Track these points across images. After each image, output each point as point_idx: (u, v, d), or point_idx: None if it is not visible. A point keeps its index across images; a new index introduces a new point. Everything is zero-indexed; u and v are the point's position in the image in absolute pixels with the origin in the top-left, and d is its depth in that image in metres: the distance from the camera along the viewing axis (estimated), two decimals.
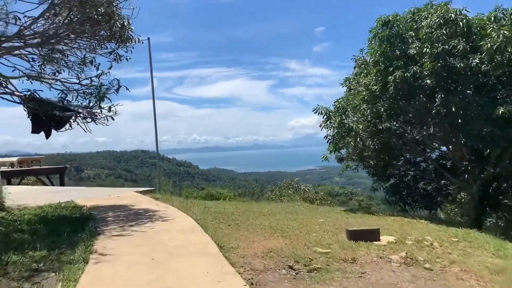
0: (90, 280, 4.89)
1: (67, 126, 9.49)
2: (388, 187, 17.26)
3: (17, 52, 9.06)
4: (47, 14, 8.93)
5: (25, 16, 8.36)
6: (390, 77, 11.99)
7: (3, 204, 10.15)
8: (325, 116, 14.10)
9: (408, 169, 16.72)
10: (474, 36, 11.99)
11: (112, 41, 10.11)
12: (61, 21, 9.13)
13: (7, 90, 8.91)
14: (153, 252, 6.22)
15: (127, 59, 10.55)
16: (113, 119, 9.95)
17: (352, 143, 13.58)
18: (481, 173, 13.72)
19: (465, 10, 11.98)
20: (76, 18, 9.15)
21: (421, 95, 12.33)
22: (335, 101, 14.73)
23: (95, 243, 6.78)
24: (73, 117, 9.39)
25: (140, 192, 14.27)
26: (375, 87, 12.73)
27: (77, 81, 10.17)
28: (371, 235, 7.60)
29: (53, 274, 5.15)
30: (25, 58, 9.30)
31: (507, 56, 11.02)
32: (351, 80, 16.26)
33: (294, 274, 5.49)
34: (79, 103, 9.99)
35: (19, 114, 9.29)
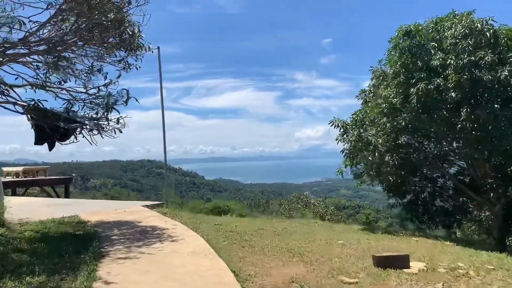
0: None
1: (72, 138, 8.95)
2: (405, 204, 16.61)
3: (21, 59, 8.58)
4: (54, 19, 8.46)
5: (30, 21, 7.87)
6: (412, 90, 11.40)
7: (3, 219, 9.60)
8: (342, 129, 13.53)
9: (425, 185, 16.03)
10: (500, 47, 11.38)
11: (122, 49, 9.61)
12: (68, 28, 8.66)
13: (10, 99, 8.41)
14: (164, 280, 5.60)
15: (136, 68, 10.04)
16: (121, 132, 9.42)
17: (370, 157, 12.92)
18: (506, 191, 13.00)
19: (492, 20, 11.39)
20: (84, 25, 8.67)
21: (444, 109, 11.69)
22: (353, 114, 14.16)
23: (99, 268, 6.17)
24: (79, 129, 8.86)
25: (147, 206, 13.67)
26: (395, 99, 12.13)
27: (84, 90, 9.67)
28: (400, 262, 6.94)
29: None
30: (30, 65, 8.82)
31: None
32: (367, 92, 15.70)
33: None
34: (86, 113, 9.47)
35: (27, 123, 8.79)
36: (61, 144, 9.02)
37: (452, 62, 11.05)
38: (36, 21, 7.97)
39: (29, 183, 22.88)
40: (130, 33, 9.25)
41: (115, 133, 9.34)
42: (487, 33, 11.00)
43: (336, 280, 5.96)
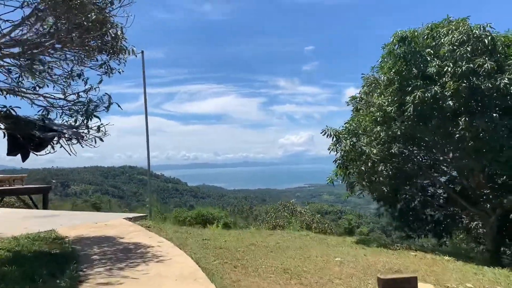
0: None
1: (49, 148, 8.19)
2: (395, 212, 16.30)
3: None
4: (30, 20, 7.74)
5: (1, 19, 7.13)
6: (408, 98, 10.98)
7: None
8: (334, 138, 13.05)
9: (415, 193, 15.68)
10: (498, 54, 11.07)
11: (104, 52, 8.90)
12: (46, 29, 7.96)
13: None
14: None
15: (119, 72, 9.32)
16: (102, 140, 8.67)
17: (363, 167, 12.45)
18: (501, 202, 12.67)
19: (489, 26, 11.07)
20: (64, 27, 7.97)
21: (441, 118, 11.30)
22: (346, 122, 13.69)
23: None
24: (56, 138, 8.11)
25: (130, 219, 12.87)
26: (389, 108, 11.70)
27: (63, 97, 8.91)
28: (408, 284, 6.41)
29: None
30: (2, 69, 8.05)
31: None
32: (358, 99, 15.28)
33: None
34: (64, 121, 8.72)
35: None
36: (36, 154, 8.25)
37: (449, 69, 10.66)
38: (7, 20, 7.24)
39: (5, 193, 21.75)
40: (113, 35, 8.56)
41: (95, 142, 8.60)
42: (485, 40, 10.65)
43: None
